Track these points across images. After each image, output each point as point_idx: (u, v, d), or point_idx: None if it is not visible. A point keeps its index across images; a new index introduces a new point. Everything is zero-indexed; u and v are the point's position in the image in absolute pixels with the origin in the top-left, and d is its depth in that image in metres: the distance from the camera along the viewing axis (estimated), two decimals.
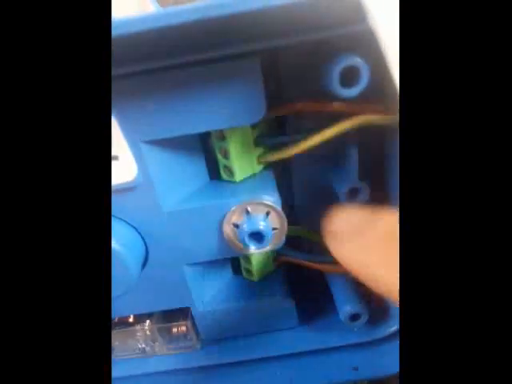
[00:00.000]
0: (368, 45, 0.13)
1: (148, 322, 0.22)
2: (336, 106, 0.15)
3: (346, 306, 0.20)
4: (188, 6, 0.12)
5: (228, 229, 0.18)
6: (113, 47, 0.12)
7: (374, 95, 0.15)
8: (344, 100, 0.15)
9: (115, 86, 0.14)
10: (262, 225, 0.18)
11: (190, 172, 0.19)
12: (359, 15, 0.12)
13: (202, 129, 0.16)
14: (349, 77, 0.14)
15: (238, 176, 0.19)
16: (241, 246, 0.18)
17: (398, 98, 0.11)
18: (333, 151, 0.19)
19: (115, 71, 0.14)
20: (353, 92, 0.14)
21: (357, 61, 0.14)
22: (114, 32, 0.12)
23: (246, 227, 0.18)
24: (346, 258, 0.14)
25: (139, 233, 0.18)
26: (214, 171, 0.19)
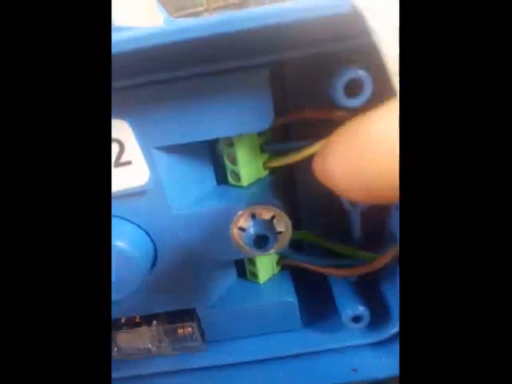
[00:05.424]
0: (370, 57, 0.13)
1: (155, 322, 0.22)
2: (339, 114, 0.16)
3: (348, 309, 0.20)
4: (200, 21, 0.13)
5: (235, 232, 0.19)
6: (129, 60, 0.13)
7: (376, 103, 0.16)
8: (348, 109, 0.16)
9: (130, 95, 0.15)
10: (267, 228, 0.18)
11: (198, 176, 0.19)
12: (361, 30, 0.13)
13: (212, 136, 0.16)
14: (353, 88, 0.15)
15: (245, 181, 0.19)
16: (247, 248, 0.19)
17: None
18: None
19: (131, 81, 0.15)
20: (357, 102, 0.15)
21: (360, 73, 0.15)
22: (131, 45, 0.13)
23: (252, 231, 0.18)
24: (332, 171, 0.12)
25: (149, 235, 0.19)
26: (222, 176, 0.20)
